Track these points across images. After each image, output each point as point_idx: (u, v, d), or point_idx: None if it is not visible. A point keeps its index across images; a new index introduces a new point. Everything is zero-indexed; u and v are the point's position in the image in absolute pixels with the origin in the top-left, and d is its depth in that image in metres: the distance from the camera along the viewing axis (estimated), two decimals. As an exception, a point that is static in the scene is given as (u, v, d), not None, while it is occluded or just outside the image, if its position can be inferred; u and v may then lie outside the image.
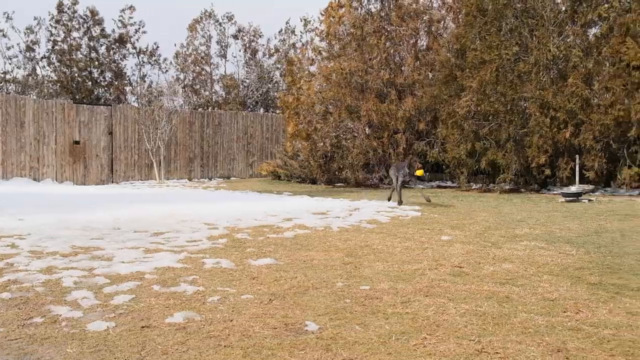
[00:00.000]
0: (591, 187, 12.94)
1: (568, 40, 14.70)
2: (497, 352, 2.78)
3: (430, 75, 17.15)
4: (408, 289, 4.09)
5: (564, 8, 15.15)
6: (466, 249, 5.76)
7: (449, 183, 17.44)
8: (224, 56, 29.38)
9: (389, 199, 10.63)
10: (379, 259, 5.28)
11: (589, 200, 11.56)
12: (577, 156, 13.43)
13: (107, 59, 27.00)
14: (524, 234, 6.83)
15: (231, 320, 3.35)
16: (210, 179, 21.05)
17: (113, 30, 27.06)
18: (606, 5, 14.02)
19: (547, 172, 14.27)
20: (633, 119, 13.04)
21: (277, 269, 4.82)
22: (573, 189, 12.04)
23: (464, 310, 3.51)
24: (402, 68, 17.61)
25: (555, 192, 13.85)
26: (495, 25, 14.97)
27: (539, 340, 2.94)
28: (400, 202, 10.03)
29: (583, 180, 13.58)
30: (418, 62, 17.26)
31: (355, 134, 16.74)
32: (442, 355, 2.78)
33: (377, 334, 3.10)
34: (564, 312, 3.48)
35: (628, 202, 11.27)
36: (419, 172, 9.64)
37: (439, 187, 16.83)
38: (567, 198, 11.48)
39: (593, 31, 15.04)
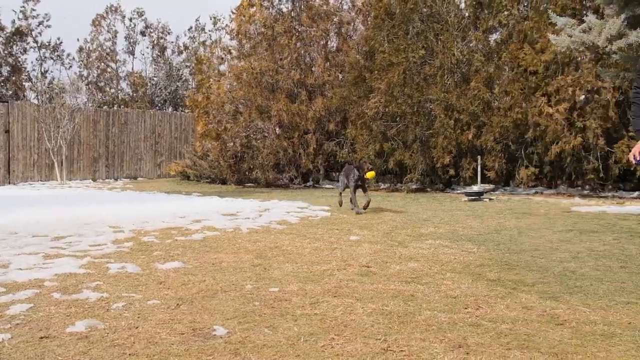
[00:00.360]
0: (492, 186, 13.52)
1: (471, 45, 15.27)
2: (402, 350, 2.85)
3: (340, 77, 17.36)
4: (317, 289, 4.13)
5: (467, 14, 15.74)
6: (374, 249, 5.88)
7: (358, 183, 17.71)
8: (131, 53, 28.57)
9: (340, 204, 9.74)
10: (288, 260, 5.29)
11: (490, 199, 12.07)
12: (479, 157, 13.99)
13: (5, 53, 25.59)
14: (429, 233, 7.04)
15: (136, 327, 3.26)
16: (116, 180, 20.41)
17: (13, 22, 25.68)
18: (506, 13, 14.69)
19: (452, 172, 14.80)
20: (530, 122, 13.73)
21: (185, 272, 4.73)
22: (475, 188, 12.53)
23: (371, 310, 3.57)
24: (313, 69, 17.73)
25: (458, 191, 14.36)
26: (403, 28, 15.35)
27: (441, 337, 3.04)
28: (358, 211, 9.09)
29: (484, 179, 14.16)
30: (328, 63, 17.43)
31: (266, 134, 16.71)
32: (349, 355, 2.82)
33: (285, 336, 3.11)
34: (465, 308, 3.61)
35: (525, 201, 11.85)
36: (370, 174, 8.90)
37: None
38: (469, 197, 11.94)
39: (494, 37, 15.70)
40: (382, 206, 10.48)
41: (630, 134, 13.09)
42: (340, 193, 9.78)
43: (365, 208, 9.12)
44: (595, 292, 4.05)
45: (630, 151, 12.55)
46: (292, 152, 16.76)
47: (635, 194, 13.44)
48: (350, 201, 9.37)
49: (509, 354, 2.79)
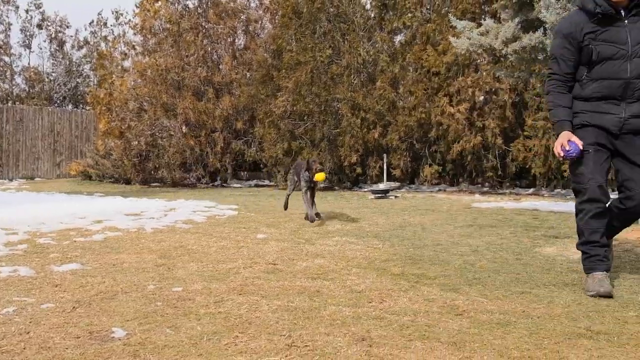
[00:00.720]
0: (397, 184, 13.83)
1: (377, 45, 15.56)
2: (306, 345, 2.85)
3: (248, 75, 17.25)
4: (222, 288, 4.06)
5: (373, 15, 16.04)
6: (281, 246, 5.86)
7: (266, 182, 17.67)
8: (28, 46, 27.13)
9: (285, 207, 8.36)
10: (193, 259, 5.18)
11: (396, 196, 12.34)
12: (384, 155, 14.28)
13: None
14: (336, 230, 7.10)
15: (28, 333, 3.08)
16: (10, 180, 19.36)
17: None
18: (410, 15, 15.06)
19: (359, 170, 15.04)
20: (433, 121, 14.16)
21: (83, 274, 4.53)
22: (381, 186, 12.77)
23: (276, 307, 3.55)
24: (220, 66, 17.52)
25: (365, 189, 14.60)
26: (310, 28, 15.43)
27: (345, 331, 3.05)
28: (312, 218, 7.58)
29: (390, 178, 14.48)
30: (236, 61, 17.27)
31: (172, 133, 16.35)
32: (253, 352, 2.78)
33: (188, 335, 3.03)
34: (370, 302, 3.66)
35: (429, 198, 12.21)
36: (319, 177, 7.15)
37: (257, 186, 17.00)
38: (376, 195, 12.15)
39: (399, 38, 16.08)
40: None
41: (526, 133, 13.78)
42: (288, 195, 8.33)
43: (317, 216, 7.75)
44: (493, 284, 4.21)
45: (526, 149, 13.11)
46: (199, 151, 16.49)
47: (531, 190, 14.14)
48: (307, 216, 7.70)
49: (411, 344, 2.84)
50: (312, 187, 7.64)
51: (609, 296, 3.78)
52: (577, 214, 4.11)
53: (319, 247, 5.86)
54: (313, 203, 7.73)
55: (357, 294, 3.87)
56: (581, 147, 3.93)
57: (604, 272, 3.97)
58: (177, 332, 3.09)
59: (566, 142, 3.94)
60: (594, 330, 3.08)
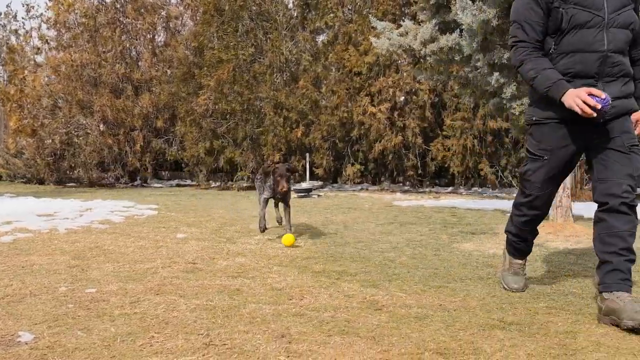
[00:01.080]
0: (320, 183, 13.91)
1: (299, 45, 15.58)
2: (224, 344, 2.79)
3: (169, 72, 16.89)
4: (138, 288, 3.94)
5: (295, 14, 16.05)
6: (201, 246, 5.75)
7: (188, 181, 17.37)
8: None
9: (262, 228, 6.01)
10: (109, 260, 5.01)
11: (319, 195, 12.39)
12: (307, 154, 14.33)
13: None
14: (257, 229, 7.04)
15: None
16: None
17: None
18: (332, 15, 15.17)
19: (282, 169, 15.00)
20: (355, 121, 14.32)
21: (-12, 277, 4.29)
22: (304, 185, 12.79)
23: (195, 306, 3.47)
24: (139, 63, 17.09)
25: (289, 188, 14.58)
26: (232, 25, 15.28)
27: (265, 328, 3.02)
28: (262, 226, 5.96)
29: (313, 177, 14.54)
30: (156, 58, 16.88)
31: (89, 131, 15.79)
32: (169, 352, 2.70)
33: (101, 337, 2.91)
34: (290, 299, 3.64)
35: (351, 197, 12.33)
36: (287, 241, 5.62)
37: (178, 185, 16.68)
38: (298, 194, 12.16)
39: (321, 38, 16.18)
40: (212, 204, 10.35)
41: (445, 133, 14.15)
42: (262, 211, 6.04)
43: (283, 223, 6.46)
44: (412, 279, 4.28)
45: (445, 149, 13.43)
46: (118, 150, 16.02)
47: (450, 189, 14.53)
48: (260, 221, 6.02)
49: (330, 340, 2.84)
50: (280, 199, 6.11)
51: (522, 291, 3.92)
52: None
53: (240, 246, 5.79)
54: (288, 218, 6.10)
55: (278, 292, 3.84)
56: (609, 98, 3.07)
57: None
58: (89, 334, 2.96)
59: (601, 92, 3.07)
60: (506, 321, 3.17)
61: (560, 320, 3.21)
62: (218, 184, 15.94)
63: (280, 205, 6.47)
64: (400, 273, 4.49)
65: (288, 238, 5.65)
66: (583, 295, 3.80)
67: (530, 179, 3.57)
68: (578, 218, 7.39)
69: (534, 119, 3.48)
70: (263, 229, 5.97)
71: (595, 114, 3.02)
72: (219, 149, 15.01)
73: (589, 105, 3.02)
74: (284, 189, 5.70)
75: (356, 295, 3.76)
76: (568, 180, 6.97)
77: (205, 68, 15.06)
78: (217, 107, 14.84)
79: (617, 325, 2.99)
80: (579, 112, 3.04)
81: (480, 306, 3.48)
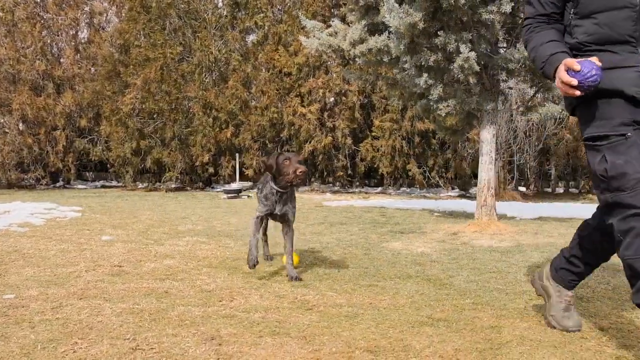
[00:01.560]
0: (250, 184, 13.82)
1: (229, 44, 15.45)
2: (152, 348, 2.71)
3: (93, 70, 16.40)
4: (60, 293, 3.78)
5: (225, 13, 15.90)
6: (128, 248, 5.60)
7: (114, 183, 16.92)
8: None
9: (252, 263, 4.20)
10: (29, 264, 4.79)
11: (249, 196, 12.31)
12: (237, 155, 14.21)
13: None
14: (186, 230, 6.92)
15: None
16: None
17: None
18: (262, 15, 15.12)
19: (211, 170, 14.84)
20: (285, 121, 14.31)
21: None
22: (234, 186, 12.69)
23: (121, 310, 3.36)
24: (61, 60, 16.50)
25: (218, 189, 14.44)
26: (160, 23, 14.99)
27: (194, 331, 2.96)
28: (253, 259, 4.18)
29: (243, 177, 14.43)
30: (79, 55, 16.36)
31: (7, 130, 15.11)
32: (93, 358, 2.60)
33: (19, 345, 2.77)
34: (220, 301, 3.58)
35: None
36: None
37: (103, 187, 16.21)
38: (228, 195, 12.05)
39: (251, 38, 16.09)
40: (138, 206, 10.10)
41: (374, 133, 14.34)
42: (254, 233, 4.32)
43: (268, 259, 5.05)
44: (342, 278, 4.29)
45: (374, 150, 13.63)
46: (39, 150, 15.42)
47: (379, 189, 14.74)
48: (250, 254, 4.23)
49: (261, 341, 2.81)
50: (281, 215, 4.34)
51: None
52: (620, 240, 2.47)
53: (168, 247, 5.67)
54: (290, 244, 4.40)
55: (207, 294, 3.77)
56: (599, 64, 2.41)
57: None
58: (6, 342, 2.82)
59: (573, 64, 2.40)
60: (434, 317, 3.23)
61: (485, 315, 3.29)
62: (145, 185, 15.59)
63: (271, 228, 5.04)
64: (331, 273, 4.50)
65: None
66: (507, 291, 3.92)
67: (620, 172, 2.42)
68: (502, 217, 7.62)
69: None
70: (254, 264, 4.15)
71: (578, 92, 2.41)
72: (146, 149, 14.68)
73: (569, 85, 2.42)
74: (300, 173, 4.02)
75: (287, 295, 3.74)
76: (492, 180, 7.18)
77: (132, 66, 14.71)
78: (144, 106, 14.52)
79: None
80: (563, 94, 2.51)
81: (409, 304, 3.53)
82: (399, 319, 3.20)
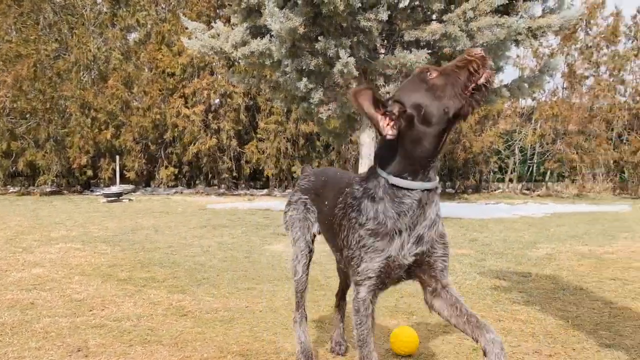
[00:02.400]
0: (132, 187, 13.42)
1: (109, 42, 14.92)
2: (12, 364, 2.58)
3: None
4: None
5: (104, 10, 15.34)
6: (-8, 257, 5.27)
7: (-18, 186, 15.82)
8: None
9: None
10: None
11: (130, 199, 11.94)
12: (117, 157, 13.75)
13: None
14: (60, 237, 6.61)
15: None
16: None
17: None
18: (144, 13, 14.73)
19: (90, 173, 14.25)
20: (168, 122, 14.02)
21: None
22: (114, 189, 12.26)
23: (-20, 324, 3.16)
24: None
25: (98, 192, 13.89)
26: (33, 18, 14.24)
27: (59, 343, 2.83)
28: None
29: (124, 180, 13.98)
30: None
31: None
32: (-56, 378, 2.43)
33: None
34: (90, 310, 3.45)
35: (165, 200, 12.03)
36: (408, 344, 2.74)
37: (-30, 190, 15.13)
38: (108, 198, 11.63)
39: (133, 36, 15.63)
40: (8, 211, 9.52)
41: (259, 135, 14.36)
42: (369, 340, 2.07)
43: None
44: (221, 282, 4.27)
45: (259, 152, 13.66)
46: None
47: (265, 191, 14.76)
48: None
49: (131, 350, 2.74)
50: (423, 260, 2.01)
51: None
52: None
53: (38, 255, 5.39)
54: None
55: (77, 303, 3.62)
56: None
57: None
58: None
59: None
60: (309, 319, 3.27)
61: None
62: (17, 188, 14.72)
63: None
64: (210, 277, 4.46)
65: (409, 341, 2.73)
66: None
67: None
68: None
69: None
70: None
71: None
72: (17, 150, 13.85)
73: None
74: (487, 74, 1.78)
75: (162, 302, 3.67)
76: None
77: (1, 63, 13.83)
78: (15, 105, 13.70)
79: None
80: None
81: (285, 306, 3.57)
82: (273, 321, 3.24)
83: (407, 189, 1.88)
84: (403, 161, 1.87)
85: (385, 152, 1.92)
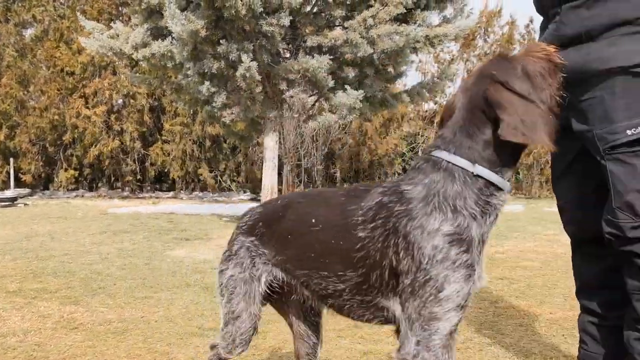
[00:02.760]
0: (28, 191, 12.85)
1: (2, 38, 14.20)
2: None
3: None
4: None
5: (-3, 4, 14.61)
6: None
7: None
8: None
9: None
10: None
11: (25, 204, 11.42)
12: (12, 159, 13.13)
13: None
14: (-55, 246, 6.24)
15: None
16: None
17: None
18: (41, 8, 14.12)
19: (-19, 176, 13.51)
20: (68, 123, 13.50)
21: None
22: (8, 193, 11.70)
23: None
24: None
25: (-10, 197, 13.19)
26: None
27: (-64, 364, 2.69)
28: None
29: (20, 184, 13.36)
30: None
31: None
32: None
33: None
34: (-26, 326, 3.29)
35: (64, 205, 11.57)
36: None
37: None
38: (2, 203, 11.06)
39: (29, 32, 14.96)
40: None
41: (164, 137, 14.07)
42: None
43: None
44: (117, 291, 4.17)
45: (164, 154, 13.40)
46: None
47: (171, 193, 14.49)
48: None
49: (14, 368, 2.64)
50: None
51: None
52: None
53: None
54: None
55: (-42, 319, 3.44)
56: None
57: None
58: None
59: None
60: (205, 327, 3.27)
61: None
62: None
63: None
64: (106, 286, 4.34)
65: None
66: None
67: None
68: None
69: None
70: None
71: None
72: None
73: None
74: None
75: (53, 314, 3.54)
76: (275, 185, 7.43)
77: None
78: None
79: None
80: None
81: (181, 315, 3.53)
82: (169, 331, 3.20)
83: (497, 187, 1.42)
84: (497, 149, 1.40)
85: (462, 135, 1.43)
